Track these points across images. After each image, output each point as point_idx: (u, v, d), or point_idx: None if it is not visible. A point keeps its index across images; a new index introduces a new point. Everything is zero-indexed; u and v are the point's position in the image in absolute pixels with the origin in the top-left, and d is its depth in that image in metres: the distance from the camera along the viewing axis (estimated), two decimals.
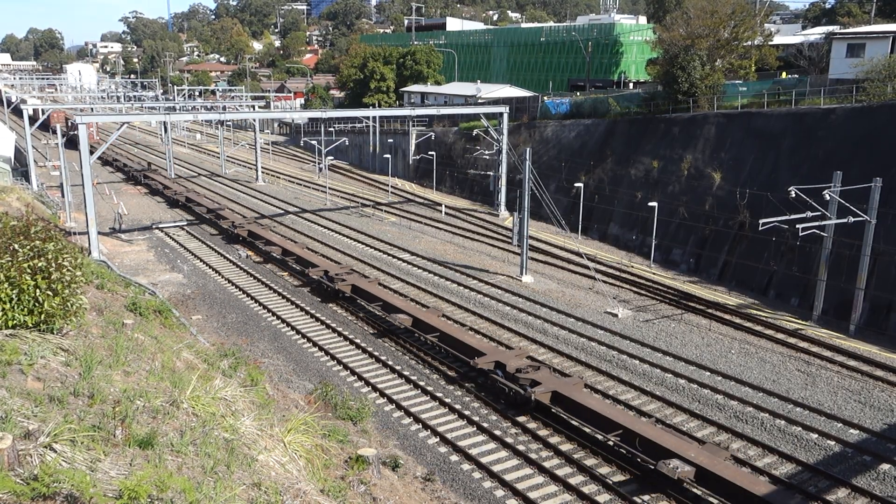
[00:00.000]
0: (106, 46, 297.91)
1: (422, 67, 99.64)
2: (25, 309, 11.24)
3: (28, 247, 11.43)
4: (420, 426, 25.01)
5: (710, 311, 37.03)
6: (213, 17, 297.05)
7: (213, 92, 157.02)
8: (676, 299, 38.86)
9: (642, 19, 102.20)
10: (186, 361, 15.10)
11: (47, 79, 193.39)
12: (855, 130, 40.70)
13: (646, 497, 20.57)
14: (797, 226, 33.62)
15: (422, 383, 28.19)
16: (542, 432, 24.46)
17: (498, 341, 32.01)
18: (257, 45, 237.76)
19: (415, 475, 19.05)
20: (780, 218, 34.22)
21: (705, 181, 47.29)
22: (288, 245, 45.56)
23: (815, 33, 72.75)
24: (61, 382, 10.01)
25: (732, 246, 43.73)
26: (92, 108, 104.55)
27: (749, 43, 61.68)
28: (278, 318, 35.84)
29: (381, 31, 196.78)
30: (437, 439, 24.14)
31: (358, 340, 32.65)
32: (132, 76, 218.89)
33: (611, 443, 22.64)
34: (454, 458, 22.91)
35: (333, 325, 34.75)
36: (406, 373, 29.26)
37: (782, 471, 22.16)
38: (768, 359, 30.86)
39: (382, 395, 27.36)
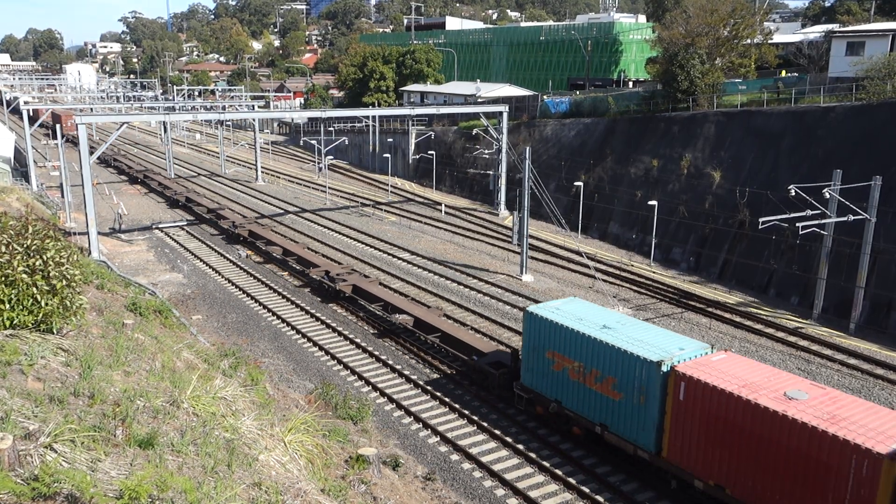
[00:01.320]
0: (105, 46, 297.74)
1: (422, 66, 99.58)
2: (25, 309, 11.22)
3: (26, 246, 11.41)
4: (420, 425, 25.06)
5: (710, 309, 37.04)
6: (213, 16, 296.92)
7: (213, 92, 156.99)
8: (676, 298, 38.86)
9: (642, 18, 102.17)
10: (187, 361, 15.09)
11: (47, 79, 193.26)
12: (855, 129, 40.69)
13: (389, 338, 33.26)
14: (797, 224, 33.63)
15: (414, 377, 28.24)
16: (350, 308, 37.48)
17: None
18: (257, 45, 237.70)
19: (415, 474, 19.05)
20: (780, 216, 34.21)
21: (705, 180, 47.28)
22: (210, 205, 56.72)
23: (815, 31, 72.73)
24: (61, 383, 10.00)
25: (732, 244, 43.73)
26: (91, 109, 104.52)
27: (749, 41, 61.66)
28: (278, 317, 35.86)
29: (381, 30, 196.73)
30: (438, 439, 24.17)
31: (358, 340, 32.69)
32: (131, 76, 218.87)
33: (378, 311, 35.10)
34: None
35: (334, 324, 34.79)
36: (406, 372, 29.32)
37: None
38: (769, 357, 30.85)
39: (383, 394, 27.40)
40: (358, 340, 32.72)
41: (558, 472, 21.96)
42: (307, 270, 40.74)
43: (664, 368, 19.73)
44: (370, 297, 35.91)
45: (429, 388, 27.79)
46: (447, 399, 26.93)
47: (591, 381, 22.07)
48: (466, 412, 25.82)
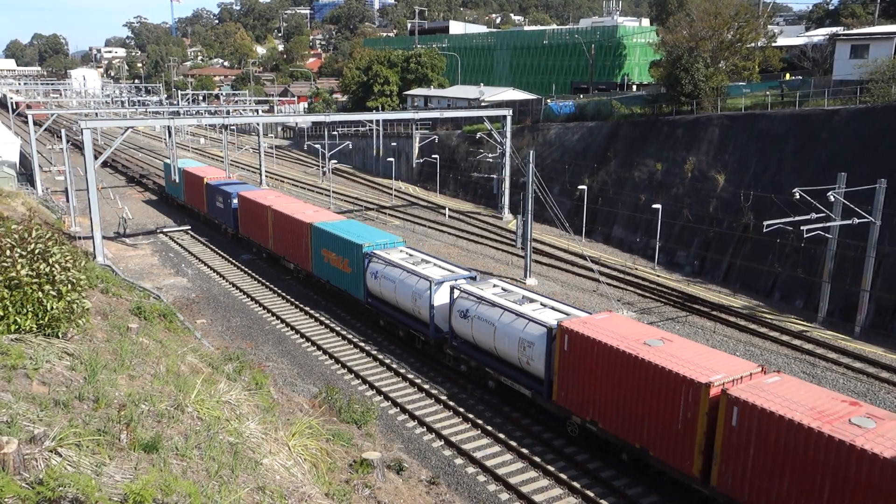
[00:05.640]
0: (110, 52, 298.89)
1: (426, 70, 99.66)
2: (30, 313, 11.25)
3: (30, 250, 11.44)
4: (424, 429, 25.04)
5: (714, 313, 36.95)
6: (217, 21, 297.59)
7: (217, 96, 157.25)
8: (681, 301, 38.79)
9: (645, 21, 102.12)
10: (191, 365, 15.11)
11: (52, 84, 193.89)
12: (859, 132, 40.60)
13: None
14: (801, 227, 33.56)
15: (418, 381, 28.25)
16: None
17: None
18: (261, 50, 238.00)
19: (419, 478, 19.03)
20: (784, 220, 34.16)
21: (709, 183, 47.22)
22: None
23: (819, 34, 72.62)
24: (66, 387, 10.02)
25: (737, 248, 43.65)
26: (96, 113, 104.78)
27: (752, 44, 61.60)
28: (283, 321, 35.89)
29: (385, 34, 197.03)
30: (442, 443, 24.15)
31: (363, 344, 32.70)
32: (136, 81, 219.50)
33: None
34: (452, 456, 22.88)
35: (338, 328, 34.81)
36: (410, 376, 29.32)
37: None
38: (774, 361, 30.77)
39: (387, 398, 27.39)
40: (362, 345, 32.73)
41: (563, 475, 21.92)
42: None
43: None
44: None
45: (433, 392, 27.78)
46: (451, 403, 26.93)
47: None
48: (471, 416, 25.80)
